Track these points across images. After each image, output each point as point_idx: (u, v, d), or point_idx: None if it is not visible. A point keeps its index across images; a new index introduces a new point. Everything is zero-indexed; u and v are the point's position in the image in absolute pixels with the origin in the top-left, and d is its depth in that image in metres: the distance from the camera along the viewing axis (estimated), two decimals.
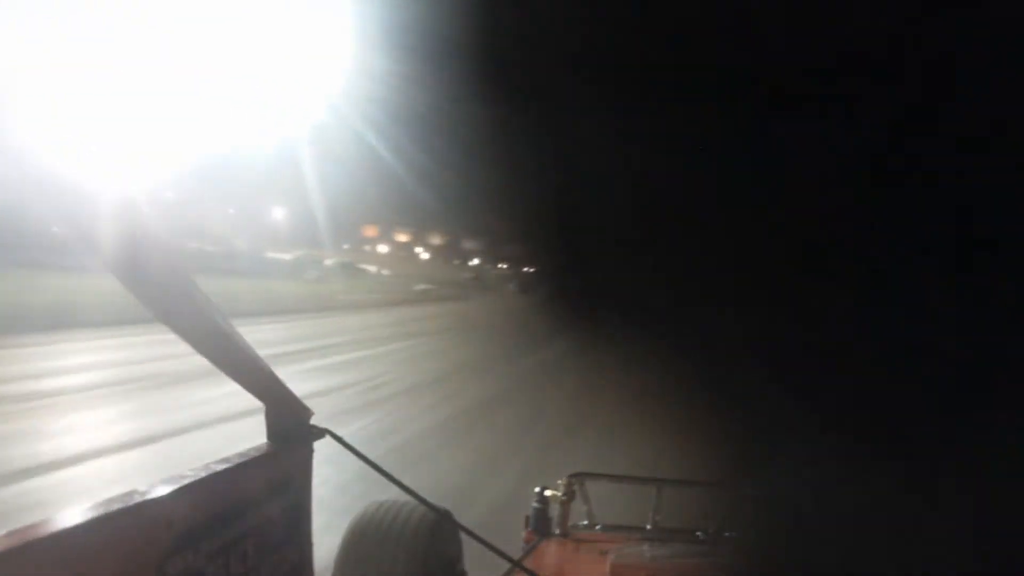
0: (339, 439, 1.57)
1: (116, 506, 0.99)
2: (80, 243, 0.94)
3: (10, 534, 0.86)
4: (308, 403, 1.53)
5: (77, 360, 7.94)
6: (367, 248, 44.34)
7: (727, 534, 2.64)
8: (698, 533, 2.68)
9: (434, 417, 7.01)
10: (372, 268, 35.34)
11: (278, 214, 37.14)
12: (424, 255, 47.03)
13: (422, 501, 1.80)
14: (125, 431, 5.33)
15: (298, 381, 2.33)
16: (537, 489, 2.72)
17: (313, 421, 1.55)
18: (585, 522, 2.77)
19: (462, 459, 5.51)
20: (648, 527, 2.71)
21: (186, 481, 1.15)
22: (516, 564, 1.92)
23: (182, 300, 1.11)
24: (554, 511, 2.71)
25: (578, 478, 2.78)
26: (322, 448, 1.56)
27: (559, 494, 2.70)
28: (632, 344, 1.25)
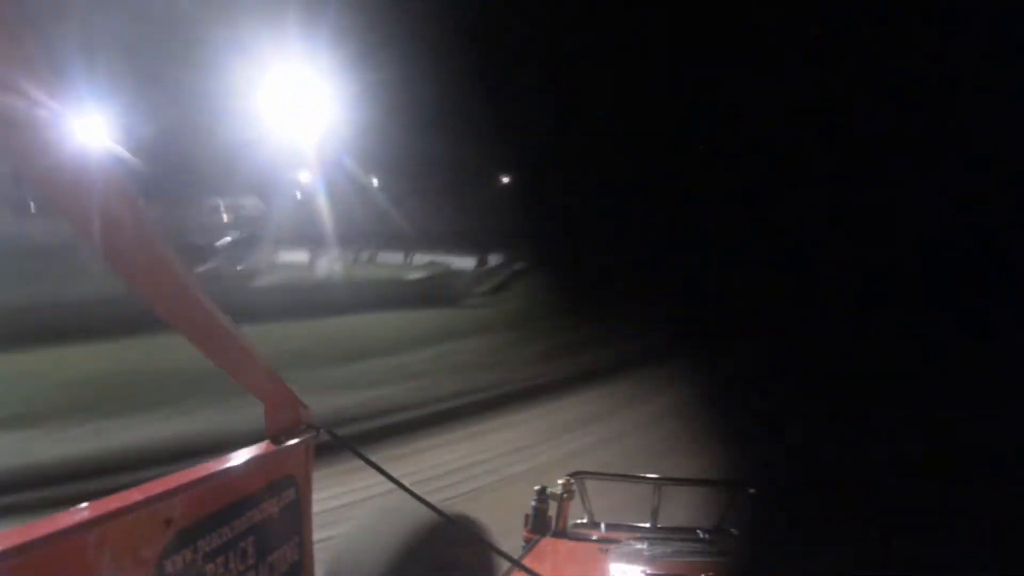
0: (339, 437, 1.57)
1: (115, 504, 0.99)
2: (78, 235, 0.95)
3: (10, 534, 0.86)
4: None
5: None
6: None
7: (727, 532, 2.65)
8: (698, 531, 2.68)
9: None
10: None
11: None
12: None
13: (426, 503, 1.79)
14: None
15: None
16: (537, 488, 2.72)
17: (311, 419, 1.55)
18: (585, 521, 2.77)
19: None
20: (647, 526, 2.71)
21: (185, 479, 1.15)
22: (516, 563, 1.92)
23: (179, 295, 1.11)
24: (554, 510, 2.71)
25: (578, 477, 2.78)
26: None
27: (559, 493, 2.70)
28: None
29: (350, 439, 1.57)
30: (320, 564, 1.68)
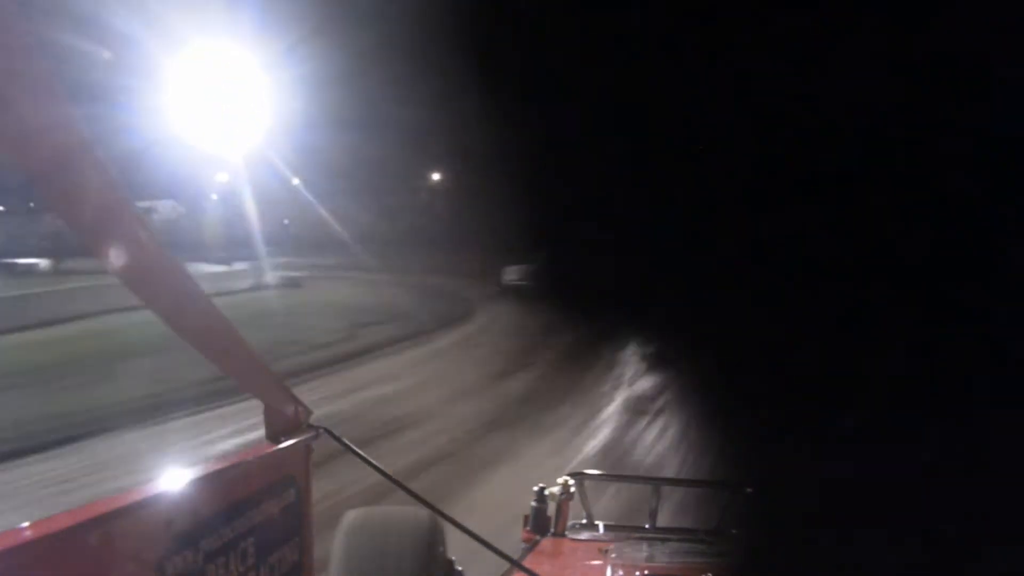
0: (338, 438, 1.57)
1: (115, 505, 0.99)
2: (84, 243, 0.95)
3: (8, 533, 0.86)
4: None
5: None
6: None
7: (726, 533, 2.65)
8: (697, 532, 2.68)
9: None
10: None
11: None
12: None
13: (422, 501, 1.79)
14: None
15: None
16: (536, 488, 2.73)
17: (311, 420, 1.55)
18: (584, 521, 2.77)
19: None
20: (647, 526, 2.71)
21: (186, 480, 1.15)
22: (515, 564, 1.92)
23: (178, 294, 1.11)
24: (553, 511, 2.71)
25: (577, 477, 2.78)
26: None
27: (557, 493, 2.70)
28: None
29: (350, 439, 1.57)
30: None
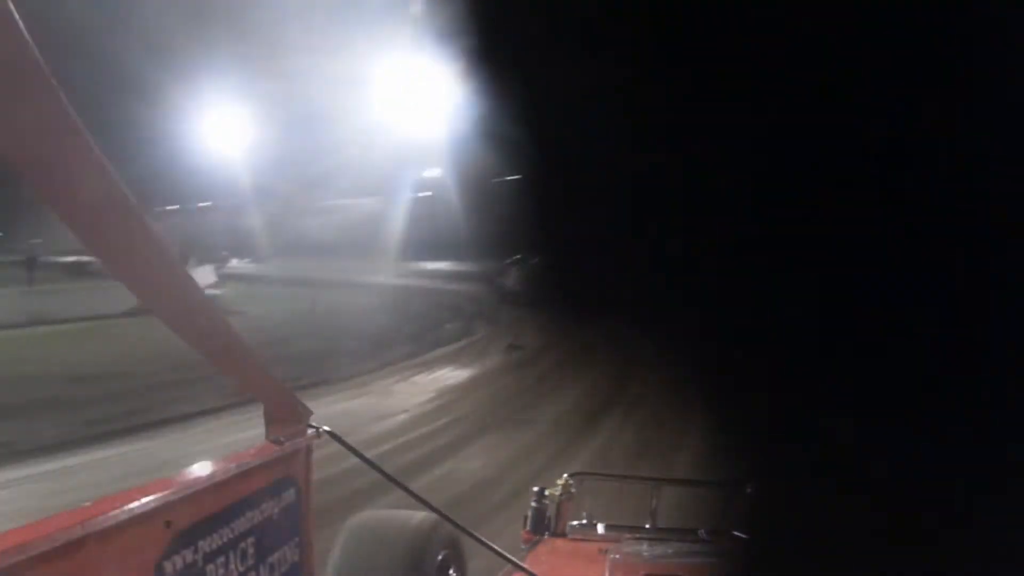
0: (338, 438, 1.57)
1: (115, 505, 0.99)
2: (87, 248, 0.95)
3: (10, 534, 0.86)
4: None
5: None
6: None
7: (726, 533, 2.65)
8: (698, 532, 2.68)
9: None
10: None
11: None
12: None
13: (423, 502, 1.79)
14: None
15: None
16: (536, 489, 2.72)
17: (311, 420, 1.55)
18: (584, 521, 2.77)
19: None
20: (647, 526, 2.71)
21: (185, 480, 1.15)
22: (515, 564, 1.92)
23: (179, 296, 1.11)
24: (553, 511, 2.71)
25: (577, 478, 2.78)
26: None
27: (558, 494, 2.70)
28: None
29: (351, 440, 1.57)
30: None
